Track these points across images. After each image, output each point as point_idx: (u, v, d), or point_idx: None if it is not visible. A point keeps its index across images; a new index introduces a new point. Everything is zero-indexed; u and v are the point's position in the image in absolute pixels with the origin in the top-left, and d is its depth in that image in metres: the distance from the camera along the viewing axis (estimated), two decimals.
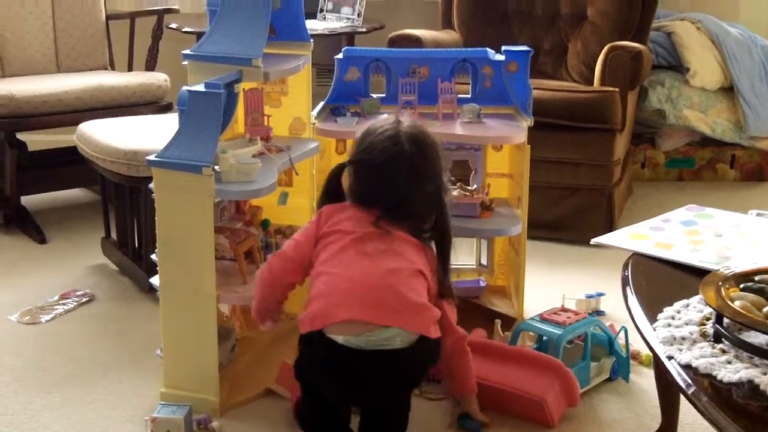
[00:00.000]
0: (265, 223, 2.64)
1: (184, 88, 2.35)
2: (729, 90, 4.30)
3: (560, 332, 2.46)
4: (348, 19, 4.46)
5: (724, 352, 1.72)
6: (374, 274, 2.04)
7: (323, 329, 1.99)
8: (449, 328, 2.17)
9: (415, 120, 2.25)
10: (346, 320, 1.99)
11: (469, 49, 3.15)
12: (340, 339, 1.98)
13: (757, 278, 1.87)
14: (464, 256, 3.11)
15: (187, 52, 2.49)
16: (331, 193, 2.25)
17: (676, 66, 4.33)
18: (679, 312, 1.89)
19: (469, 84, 2.93)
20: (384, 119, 2.23)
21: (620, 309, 2.31)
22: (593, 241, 2.33)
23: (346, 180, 2.23)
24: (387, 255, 2.09)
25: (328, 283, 2.06)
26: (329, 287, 2.05)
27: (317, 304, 2.04)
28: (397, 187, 2.15)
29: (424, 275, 2.11)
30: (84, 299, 3.10)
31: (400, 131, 2.16)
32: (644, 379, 2.54)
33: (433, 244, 2.21)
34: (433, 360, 2.12)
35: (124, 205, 3.25)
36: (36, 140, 3.93)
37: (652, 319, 1.88)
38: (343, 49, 2.95)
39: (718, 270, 1.94)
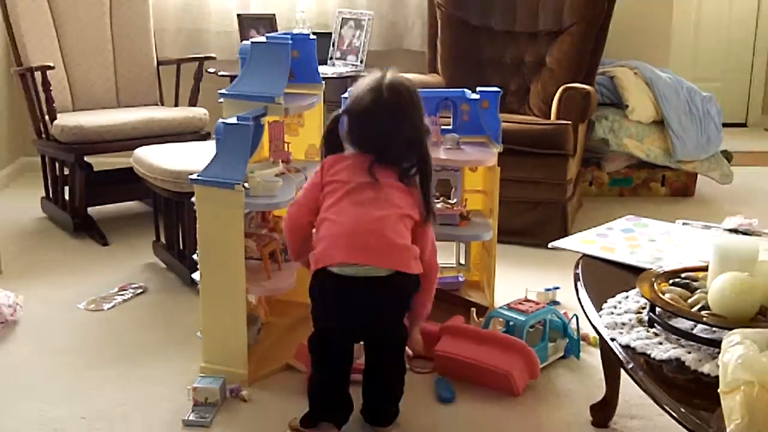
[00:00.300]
0: None
1: (220, 120, 2.35)
2: (660, 123, 4.31)
3: (524, 318, 2.46)
4: (353, 65, 4.47)
5: (656, 335, 1.72)
6: (365, 221, 2.03)
7: (324, 267, 2.02)
8: (422, 251, 2.13)
9: (398, 74, 2.18)
10: (340, 263, 2.00)
11: (450, 89, 3.15)
12: (335, 269, 2.00)
13: (683, 275, 1.88)
14: (446, 257, 3.12)
15: (223, 91, 2.49)
16: (330, 142, 2.19)
17: (618, 103, 4.33)
18: (620, 302, 1.90)
19: (450, 118, 2.93)
20: (372, 74, 2.16)
21: (572, 300, 2.31)
22: (551, 244, 2.33)
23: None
24: (377, 202, 2.06)
25: (329, 229, 2.06)
26: (329, 233, 2.05)
27: (320, 246, 2.06)
28: (380, 130, 2.10)
29: (410, 216, 2.09)
30: (138, 291, 3.10)
31: (382, 83, 2.11)
32: (592, 357, 2.54)
33: (418, 181, 2.14)
34: (415, 288, 2.09)
35: (171, 215, 3.25)
36: (100, 162, 3.93)
37: (598, 308, 1.89)
38: (348, 89, 2.94)
39: (652, 268, 1.95)
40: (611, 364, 2.14)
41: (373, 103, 2.10)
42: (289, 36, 2.56)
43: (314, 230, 2.17)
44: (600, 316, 1.84)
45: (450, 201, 2.88)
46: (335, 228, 2.05)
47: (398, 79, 2.14)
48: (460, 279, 3.03)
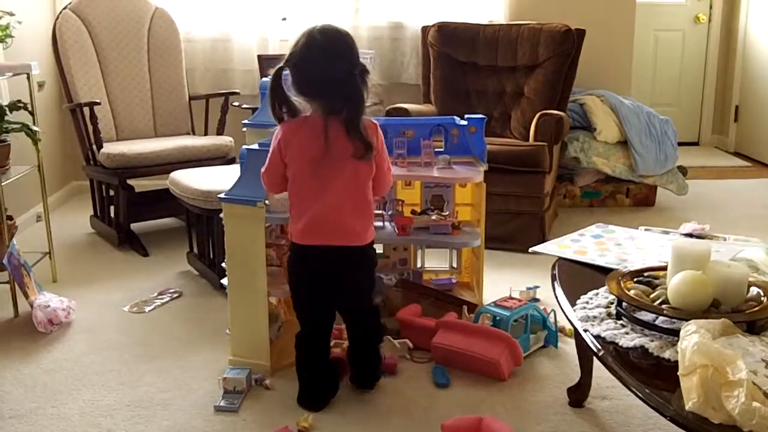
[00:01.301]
0: None
1: (244, 147, 2.36)
2: (624, 143, 4.31)
3: (508, 314, 2.46)
4: None
5: (623, 326, 1.72)
6: (329, 208, 2.05)
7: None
8: (381, 176, 2.14)
9: (328, 23, 2.05)
10: (309, 244, 2.08)
11: (442, 117, 3.16)
12: (305, 243, 2.10)
13: (646, 274, 1.88)
14: (441, 261, 3.12)
15: (246, 121, 2.50)
16: (275, 95, 2.04)
17: (587, 126, 4.34)
18: (591, 298, 1.90)
19: (442, 141, 2.94)
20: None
21: (550, 297, 2.31)
22: (531, 249, 2.32)
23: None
24: (337, 181, 2.03)
25: (300, 213, 2.08)
26: (300, 215, 2.08)
27: (293, 226, 2.11)
28: (318, 71, 1.98)
29: (367, 180, 2.08)
30: (175, 295, 3.10)
31: (313, 30, 1.99)
32: (568, 346, 2.53)
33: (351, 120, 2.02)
34: (371, 252, 2.15)
35: (202, 229, 3.26)
36: (141, 184, 3.94)
37: (573, 303, 1.89)
38: None
39: (618, 269, 1.95)
40: (585, 352, 2.14)
41: (307, 47, 1.98)
42: None
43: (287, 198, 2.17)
44: (574, 311, 1.84)
45: (443, 213, 2.88)
46: (305, 216, 2.07)
47: (328, 25, 2.03)
48: (453, 280, 3.03)
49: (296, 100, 2.05)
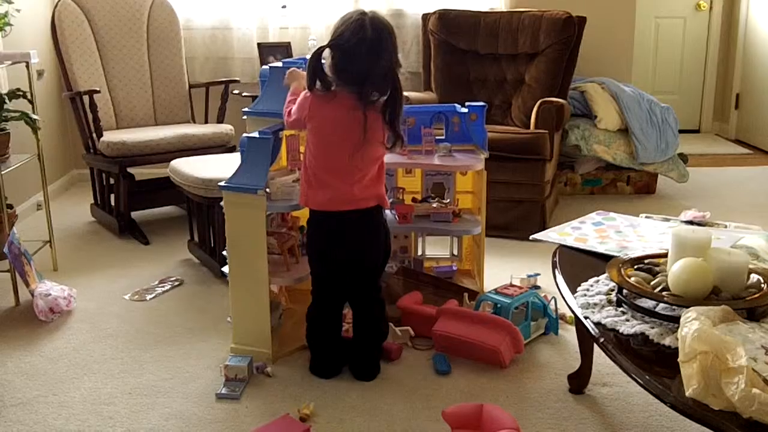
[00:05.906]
0: (302, 228, 2.64)
1: (244, 135, 2.36)
2: (624, 131, 4.31)
3: (509, 301, 2.46)
4: None
5: (623, 313, 1.73)
6: (348, 182, 2.15)
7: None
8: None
9: (376, 11, 2.11)
10: (333, 210, 2.19)
11: (443, 105, 3.15)
12: (328, 209, 2.20)
13: (646, 261, 1.88)
14: (442, 248, 3.13)
15: (246, 109, 2.50)
16: (314, 69, 2.10)
17: (588, 114, 4.33)
18: (592, 286, 1.90)
19: (443, 129, 2.93)
20: (354, 11, 2.09)
21: (551, 284, 2.31)
22: (531, 237, 2.33)
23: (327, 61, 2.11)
24: (368, 164, 2.16)
25: (323, 187, 2.17)
26: (323, 188, 2.17)
27: (311, 195, 2.20)
28: (362, 63, 2.06)
29: (382, 160, 2.22)
30: (176, 283, 3.10)
31: (364, 21, 2.05)
32: (569, 333, 2.54)
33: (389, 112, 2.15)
34: (379, 212, 2.25)
35: (203, 217, 3.25)
36: (141, 173, 3.94)
37: (573, 291, 1.89)
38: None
39: (619, 256, 1.95)
40: (585, 339, 2.15)
41: (356, 40, 2.04)
42: (302, 61, 2.56)
43: (303, 169, 2.25)
44: (575, 298, 1.84)
45: (444, 201, 2.89)
46: (330, 189, 2.17)
47: (378, 17, 2.09)
48: (454, 268, 3.03)
49: (329, 76, 2.13)
